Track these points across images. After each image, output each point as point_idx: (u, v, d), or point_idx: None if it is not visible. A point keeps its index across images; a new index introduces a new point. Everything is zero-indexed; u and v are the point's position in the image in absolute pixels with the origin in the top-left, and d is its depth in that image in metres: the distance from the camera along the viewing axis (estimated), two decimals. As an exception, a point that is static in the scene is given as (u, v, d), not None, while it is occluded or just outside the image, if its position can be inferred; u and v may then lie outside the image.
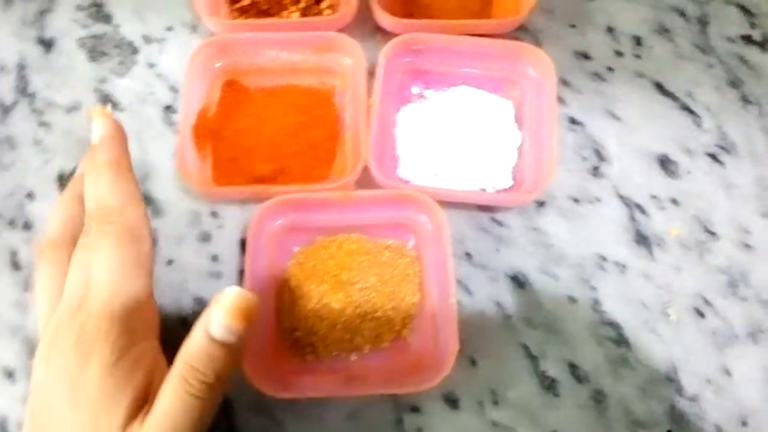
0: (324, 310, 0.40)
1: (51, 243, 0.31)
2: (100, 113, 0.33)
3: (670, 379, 0.39)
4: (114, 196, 0.30)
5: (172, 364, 0.28)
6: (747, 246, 0.42)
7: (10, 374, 0.40)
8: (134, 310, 0.29)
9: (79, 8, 0.50)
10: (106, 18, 0.50)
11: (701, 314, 0.40)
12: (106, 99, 0.47)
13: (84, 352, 0.27)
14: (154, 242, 0.43)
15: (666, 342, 0.40)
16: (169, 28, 0.49)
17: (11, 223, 0.44)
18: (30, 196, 0.44)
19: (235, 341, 0.28)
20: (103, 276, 0.28)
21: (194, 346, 0.28)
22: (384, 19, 0.45)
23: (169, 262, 0.43)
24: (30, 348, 0.40)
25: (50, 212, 0.33)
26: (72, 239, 0.31)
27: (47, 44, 0.49)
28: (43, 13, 0.50)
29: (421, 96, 0.46)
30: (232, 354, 0.28)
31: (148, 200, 0.44)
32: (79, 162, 0.35)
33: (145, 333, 0.29)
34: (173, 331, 0.41)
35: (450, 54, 0.45)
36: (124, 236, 0.29)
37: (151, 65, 0.48)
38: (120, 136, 0.32)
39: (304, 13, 0.48)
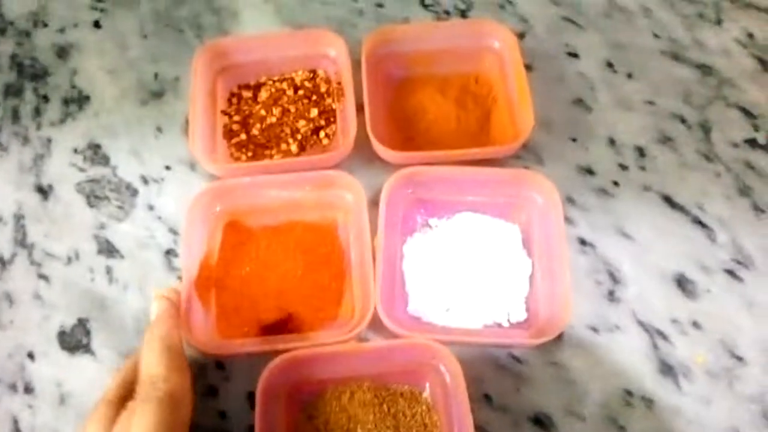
0: (339, 470, 0.38)
1: (105, 401, 0.35)
2: (159, 294, 0.39)
3: None
4: (161, 365, 0.35)
5: None
6: (777, 371, 0.40)
7: None
8: None
9: (76, 151, 0.50)
10: (104, 159, 0.50)
11: (738, 452, 0.38)
12: (106, 246, 0.46)
13: None
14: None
15: (704, 487, 0.37)
16: (168, 167, 0.49)
17: (12, 387, 0.42)
18: (31, 356, 0.43)
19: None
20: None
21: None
22: (383, 152, 0.45)
23: (176, 419, 0.41)
24: None
25: (113, 373, 0.37)
26: (123, 401, 0.34)
27: (44, 192, 0.48)
28: (39, 158, 0.50)
29: (426, 225, 0.46)
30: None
31: (151, 353, 0.43)
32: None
33: None
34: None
35: (452, 183, 0.45)
36: (166, 402, 0.33)
37: (151, 207, 0.47)
38: (173, 312, 0.39)
39: (302, 144, 0.48)
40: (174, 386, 0.34)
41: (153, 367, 0.35)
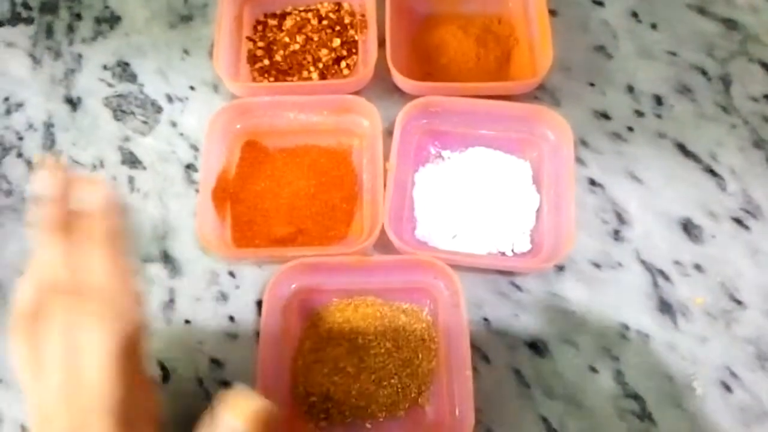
0: (339, 375, 0.39)
1: (23, 315, 0.28)
2: (95, 181, 0.30)
3: (697, 458, 0.37)
4: (107, 275, 0.28)
5: None
6: (775, 315, 0.41)
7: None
8: (131, 404, 0.28)
9: (106, 68, 0.51)
10: (131, 77, 0.51)
11: (728, 388, 0.39)
12: (129, 157, 0.48)
13: None
14: (172, 302, 0.43)
15: (691, 418, 0.38)
16: (192, 88, 0.50)
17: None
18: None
19: None
20: (94, 373, 0.27)
21: None
22: (401, 81, 0.46)
23: (187, 322, 0.43)
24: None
25: (20, 279, 0.29)
26: (45, 310, 0.28)
27: (74, 103, 0.50)
28: (70, 72, 0.52)
29: (438, 156, 0.47)
30: None
31: (167, 259, 0.44)
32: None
33: (145, 423, 0.29)
34: (189, 392, 0.41)
35: (467, 116, 0.45)
36: (117, 324, 0.27)
37: (174, 124, 0.49)
38: (119, 206, 0.30)
39: (323, 73, 0.49)
40: (124, 302, 0.28)
41: (97, 275, 0.28)
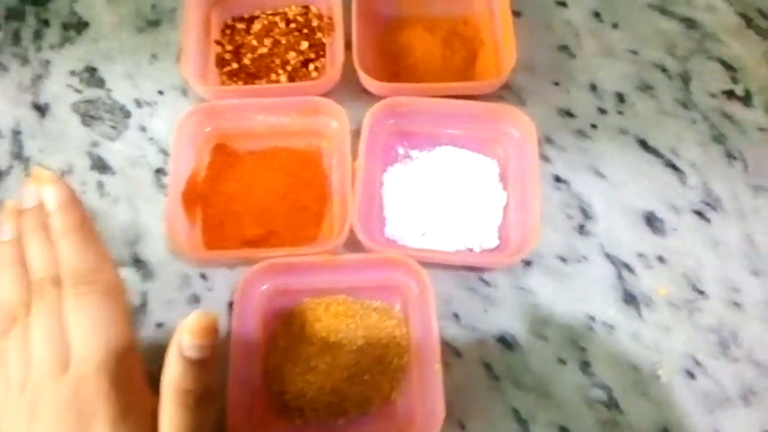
0: (312, 373, 0.39)
1: (7, 319, 0.31)
2: (49, 178, 0.32)
3: (662, 444, 0.38)
4: (87, 257, 0.31)
5: (159, 395, 0.29)
6: (736, 305, 0.42)
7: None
8: (128, 363, 0.30)
9: (73, 74, 0.51)
10: (99, 82, 0.51)
11: (692, 375, 0.40)
12: (98, 162, 0.48)
13: (85, 413, 0.28)
14: (144, 305, 0.43)
15: (657, 404, 0.39)
16: (161, 92, 0.50)
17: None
18: (20, 261, 0.45)
19: (208, 355, 0.29)
20: (91, 337, 0.29)
21: (176, 372, 0.28)
22: (368, 82, 0.46)
23: (159, 325, 0.43)
24: None
25: None
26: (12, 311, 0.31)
27: (41, 110, 0.50)
28: (38, 78, 0.51)
29: (406, 156, 0.47)
30: (209, 364, 0.29)
31: (139, 263, 0.44)
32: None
33: (139, 381, 0.31)
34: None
35: (434, 116, 0.46)
36: (108, 294, 0.30)
37: (143, 129, 0.49)
38: (77, 198, 0.33)
39: (291, 76, 0.49)
40: (109, 276, 0.31)
41: (75, 261, 0.31)
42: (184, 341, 0.28)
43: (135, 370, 0.31)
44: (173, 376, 0.28)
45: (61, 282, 0.31)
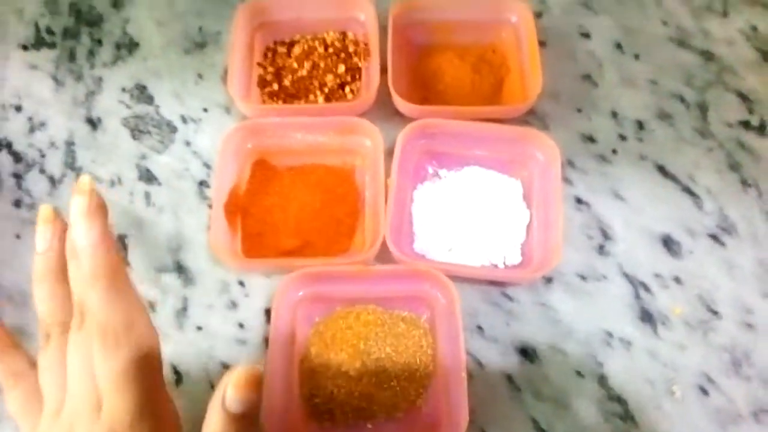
0: (342, 378, 0.42)
1: (46, 335, 0.30)
2: (87, 189, 0.29)
3: (676, 456, 0.40)
4: (118, 313, 0.28)
5: None
6: (749, 326, 0.44)
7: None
8: (161, 422, 0.29)
9: (124, 90, 0.55)
10: (148, 99, 0.55)
11: (705, 392, 0.42)
12: (146, 174, 0.51)
13: None
14: (185, 309, 0.46)
15: (671, 419, 0.41)
16: (205, 110, 0.54)
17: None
18: (72, 263, 0.48)
19: (250, 409, 0.28)
20: (121, 397, 0.27)
21: (217, 425, 0.28)
22: (401, 104, 0.49)
23: (199, 329, 0.46)
24: None
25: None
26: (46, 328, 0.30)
27: (94, 123, 0.54)
28: (91, 94, 0.55)
29: (435, 175, 0.50)
30: (251, 418, 0.28)
31: (181, 269, 0.47)
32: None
33: None
34: (202, 395, 0.43)
35: (462, 137, 0.49)
36: (139, 355, 0.28)
37: (188, 143, 0.52)
38: (111, 237, 0.29)
39: (328, 97, 0.52)
40: (143, 331, 0.28)
41: (107, 316, 0.28)
42: (228, 394, 0.27)
43: (169, 426, 0.30)
44: (214, 428, 0.28)
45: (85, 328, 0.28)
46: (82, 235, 0.28)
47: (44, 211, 0.31)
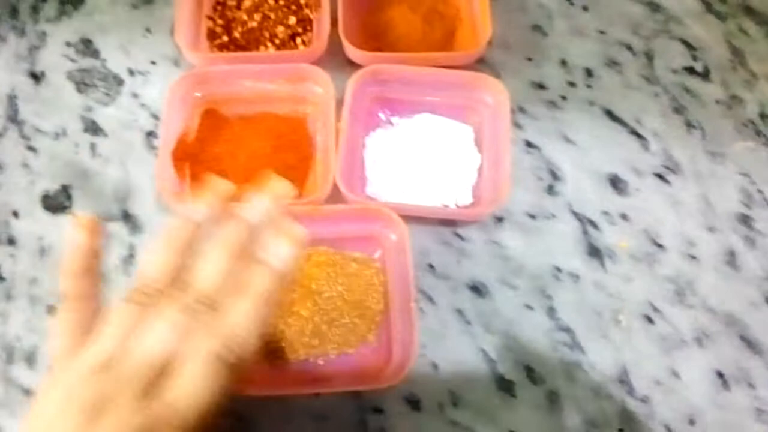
0: (293, 318, 0.42)
1: (141, 293, 0.28)
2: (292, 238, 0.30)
3: (621, 381, 0.40)
4: (247, 327, 0.27)
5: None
6: (692, 257, 0.45)
7: (-14, 384, 0.41)
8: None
9: (69, 45, 0.54)
10: (94, 53, 0.53)
11: (650, 320, 0.43)
12: (91, 125, 0.50)
13: None
14: (131, 257, 0.45)
15: (617, 346, 0.42)
16: (153, 62, 0.53)
17: (-4, 239, 0.46)
18: (15, 214, 0.47)
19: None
20: (186, 400, 0.26)
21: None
22: (353, 52, 0.49)
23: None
24: (7, 354, 0.42)
25: (149, 251, 0.29)
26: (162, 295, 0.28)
27: (37, 77, 0.52)
28: (34, 48, 0.53)
29: (388, 122, 0.50)
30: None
31: (128, 217, 0.46)
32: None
33: None
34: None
35: (414, 84, 0.49)
36: (233, 372, 0.27)
37: (135, 95, 0.51)
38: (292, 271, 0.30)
39: (279, 48, 0.52)
40: (246, 353, 0.27)
41: (238, 322, 0.27)
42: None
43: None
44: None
45: (213, 310, 0.27)
46: (285, 251, 0.29)
47: (223, 186, 0.32)
